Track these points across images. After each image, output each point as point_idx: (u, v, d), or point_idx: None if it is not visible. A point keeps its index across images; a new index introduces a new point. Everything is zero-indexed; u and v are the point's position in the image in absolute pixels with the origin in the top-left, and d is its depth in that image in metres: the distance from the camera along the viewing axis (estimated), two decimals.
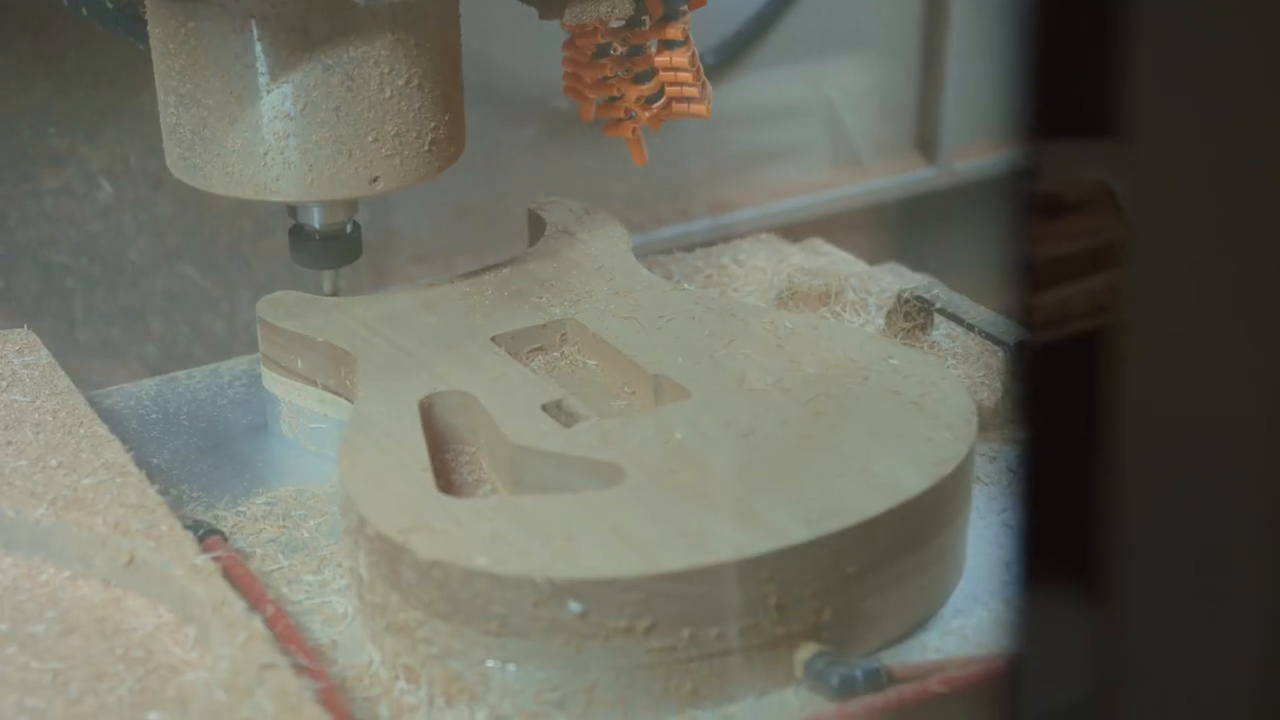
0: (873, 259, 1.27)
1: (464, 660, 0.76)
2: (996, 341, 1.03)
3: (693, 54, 1.03)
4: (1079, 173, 0.51)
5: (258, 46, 0.90)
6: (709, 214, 1.48)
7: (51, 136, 1.18)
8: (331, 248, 0.99)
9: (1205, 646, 0.52)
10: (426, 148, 0.95)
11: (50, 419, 0.88)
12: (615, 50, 1.02)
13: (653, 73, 1.03)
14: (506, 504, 0.80)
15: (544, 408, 0.87)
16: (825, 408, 0.86)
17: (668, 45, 1.02)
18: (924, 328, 1.09)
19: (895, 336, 1.08)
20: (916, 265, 1.28)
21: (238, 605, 0.74)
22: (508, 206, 1.35)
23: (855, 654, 0.79)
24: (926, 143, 1.59)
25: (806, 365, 0.91)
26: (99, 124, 1.19)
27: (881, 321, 1.11)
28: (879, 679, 0.77)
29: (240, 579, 0.81)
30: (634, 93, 1.03)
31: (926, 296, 1.08)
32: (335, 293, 1.00)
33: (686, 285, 1.14)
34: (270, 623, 0.78)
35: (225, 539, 0.86)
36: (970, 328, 1.05)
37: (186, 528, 0.84)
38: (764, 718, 0.77)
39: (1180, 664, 0.52)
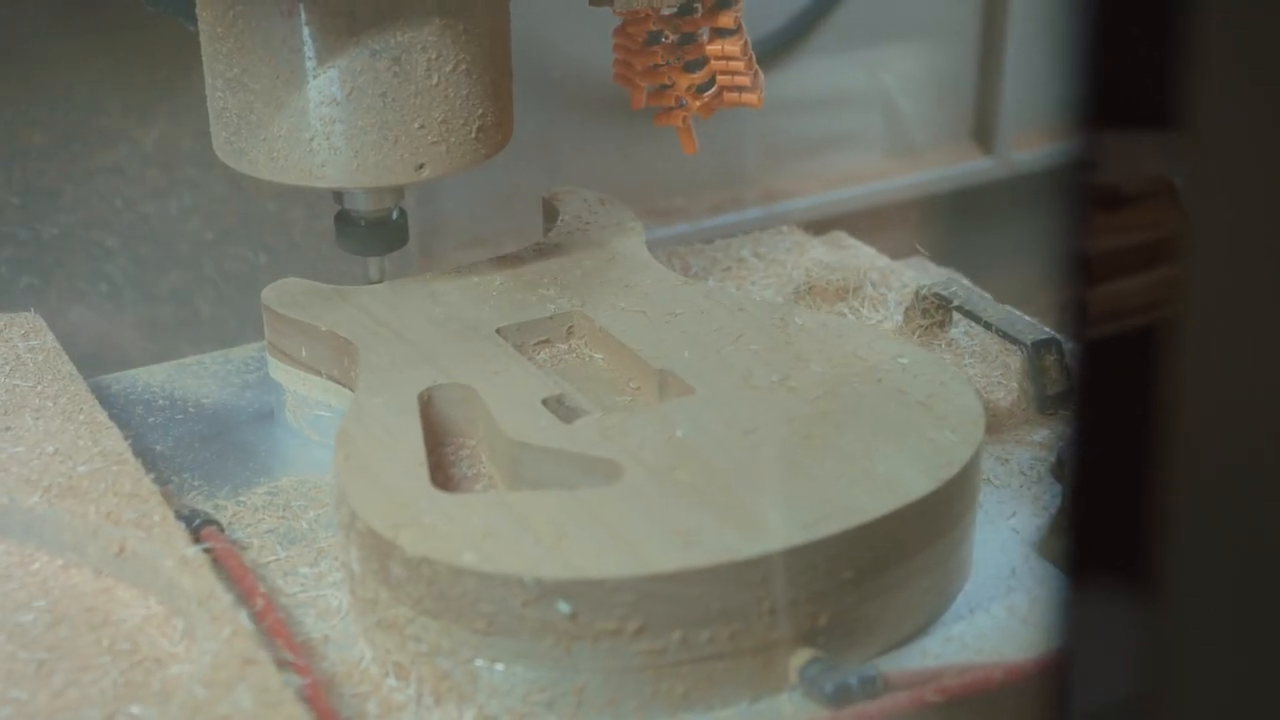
0: (927, 252, 1.26)
1: (452, 659, 0.75)
2: (1014, 341, 1.01)
3: (745, 42, 1.01)
4: (1140, 165, 0.50)
5: (305, 31, 0.89)
6: (763, 202, 1.47)
7: (103, 117, 1.19)
8: (377, 234, 0.98)
9: (1256, 647, 0.50)
10: (474, 135, 0.94)
11: (51, 405, 0.87)
12: (667, 38, 1.01)
13: (704, 61, 1.01)
14: (499, 500, 0.79)
15: (544, 402, 0.86)
16: (830, 407, 0.85)
17: (720, 33, 1.01)
18: (942, 325, 1.08)
19: (913, 334, 1.07)
20: (970, 258, 1.26)
21: (224, 599, 0.73)
22: None
23: (853, 660, 0.78)
24: (984, 132, 1.57)
25: (814, 363, 0.89)
26: (151, 105, 1.20)
27: (900, 318, 1.09)
28: (874, 686, 0.75)
29: (233, 571, 0.80)
30: (685, 81, 1.02)
31: (944, 294, 1.06)
32: (381, 279, 0.99)
33: (699, 279, 1.13)
34: (259, 616, 0.77)
35: (222, 529, 0.85)
36: (988, 326, 1.03)
37: (184, 517, 0.84)
38: None
39: (1230, 664, 0.51)
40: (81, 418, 0.86)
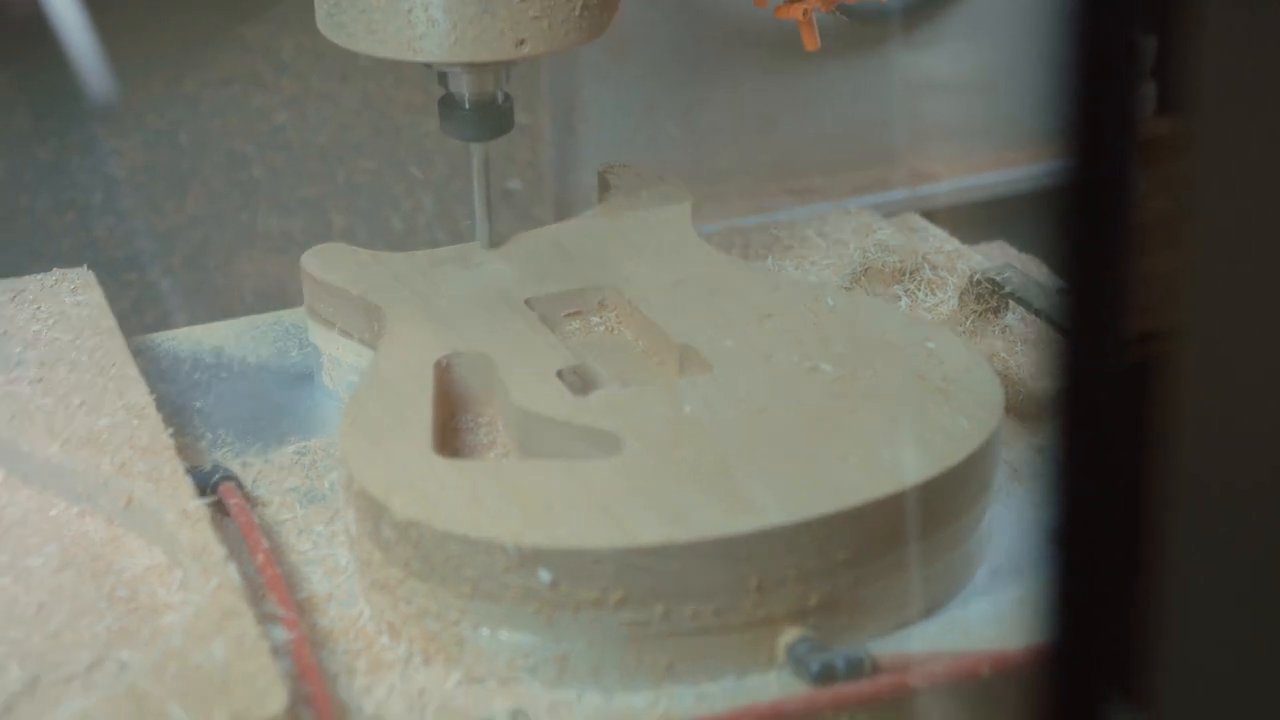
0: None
1: (440, 621, 0.76)
2: (1060, 328, 0.99)
3: None
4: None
5: None
6: (909, 184, 1.45)
7: (240, 25, 1.20)
8: (480, 117, 0.95)
9: (1255, 655, 0.51)
10: (577, 12, 0.91)
11: (86, 359, 0.90)
12: None
13: None
14: (493, 468, 0.80)
15: (560, 374, 0.86)
16: (846, 389, 0.84)
17: None
18: (997, 311, 1.06)
19: (967, 319, 1.05)
20: None
21: (218, 552, 0.75)
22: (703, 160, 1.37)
23: (846, 642, 0.77)
24: None
25: (839, 345, 0.88)
26: (287, 13, 1.21)
27: (956, 303, 1.08)
28: (861, 668, 0.75)
29: (241, 526, 0.82)
30: None
31: (998, 279, 1.05)
32: (485, 168, 0.97)
33: (744, 259, 1.12)
34: (260, 570, 0.79)
35: (240, 485, 0.87)
36: (1036, 312, 1.01)
37: (205, 473, 0.85)
38: (741, 699, 0.75)
39: (1228, 670, 0.51)
40: (113, 371, 0.88)
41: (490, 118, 0.96)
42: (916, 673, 0.74)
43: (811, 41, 1.02)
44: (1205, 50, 0.46)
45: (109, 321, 0.94)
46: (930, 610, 0.80)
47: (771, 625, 0.76)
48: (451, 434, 0.87)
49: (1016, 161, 1.49)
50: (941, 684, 0.74)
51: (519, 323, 0.91)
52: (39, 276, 0.99)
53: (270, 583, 0.78)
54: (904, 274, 1.10)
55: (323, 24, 0.94)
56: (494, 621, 0.75)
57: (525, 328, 0.90)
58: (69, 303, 0.96)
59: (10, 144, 1.18)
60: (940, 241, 1.19)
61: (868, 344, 0.89)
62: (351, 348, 0.95)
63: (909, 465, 0.78)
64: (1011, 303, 1.06)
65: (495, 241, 0.99)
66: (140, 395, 0.86)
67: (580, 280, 0.95)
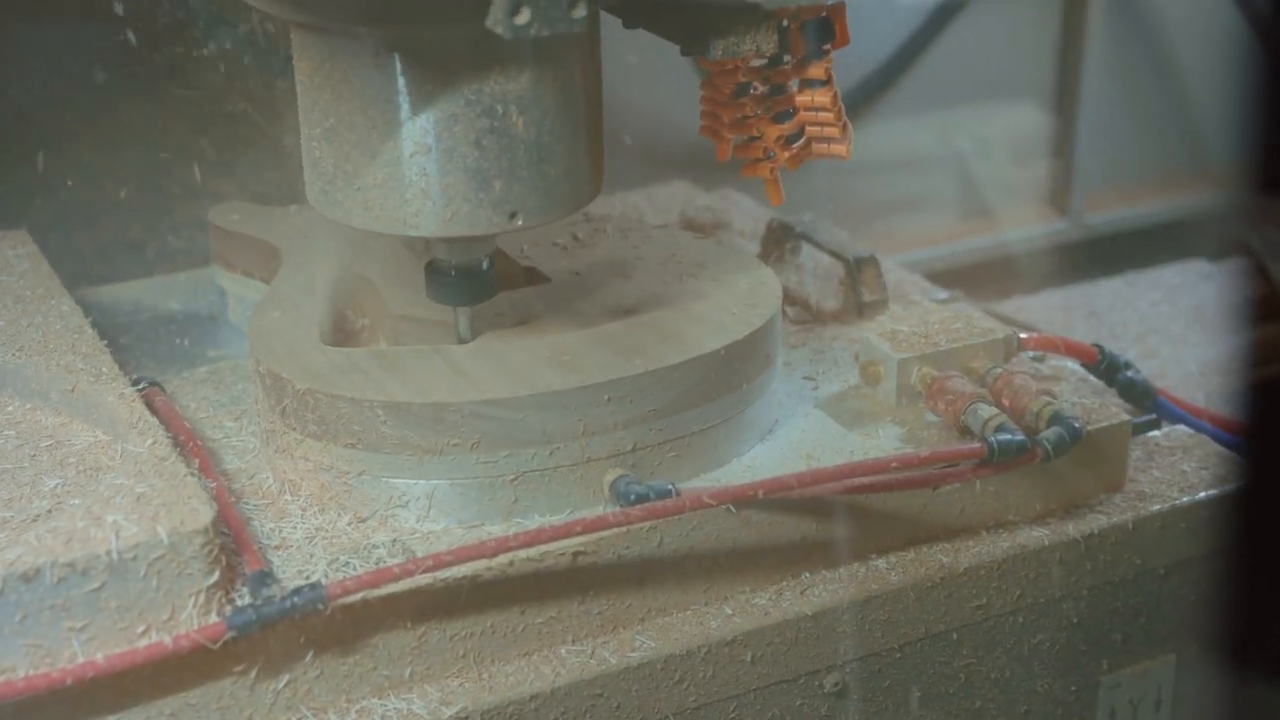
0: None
1: (331, 473, 0.94)
2: (838, 257, 1.20)
3: (835, 94, 1.01)
4: None
5: (399, 81, 0.89)
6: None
7: (186, 172, 1.29)
8: (466, 284, 0.99)
9: None
10: (567, 184, 0.95)
11: (29, 294, 1.08)
12: (755, 89, 1.01)
13: (793, 112, 1.01)
14: (372, 351, 0.99)
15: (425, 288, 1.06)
16: (659, 293, 1.05)
17: (809, 84, 1.00)
18: (794, 251, 1.27)
19: (768, 259, 1.26)
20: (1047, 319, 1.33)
21: (151, 421, 0.93)
22: None
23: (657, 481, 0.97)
24: (1058, 194, 1.60)
25: (651, 261, 1.09)
26: (235, 158, 1.30)
27: (759, 247, 1.28)
28: (668, 497, 0.94)
29: (166, 416, 1.00)
30: (773, 132, 1.01)
31: (789, 222, 1.26)
32: (469, 335, 1.00)
33: None
34: (183, 444, 0.97)
35: (163, 390, 1.05)
36: (818, 246, 1.22)
37: (133, 381, 1.04)
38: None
39: None
40: (52, 303, 1.07)
41: (475, 283, 0.99)
42: (710, 493, 0.94)
43: (777, 197, 1.04)
44: None
45: (46, 268, 1.12)
46: (726, 459, 1.01)
47: (598, 466, 0.95)
48: (337, 336, 1.06)
49: (945, 239, 1.56)
50: (725, 502, 0.94)
51: (388, 249, 1.10)
52: None
53: (193, 450, 0.96)
54: (717, 227, 1.31)
55: (315, 200, 0.96)
56: (375, 469, 0.94)
57: (393, 254, 1.10)
58: (10, 255, 1.13)
59: None
60: (751, 208, 1.40)
61: (675, 262, 1.09)
62: (254, 286, 1.14)
63: (703, 340, 0.98)
64: (806, 248, 1.27)
65: None
66: (78, 318, 1.04)
67: None
